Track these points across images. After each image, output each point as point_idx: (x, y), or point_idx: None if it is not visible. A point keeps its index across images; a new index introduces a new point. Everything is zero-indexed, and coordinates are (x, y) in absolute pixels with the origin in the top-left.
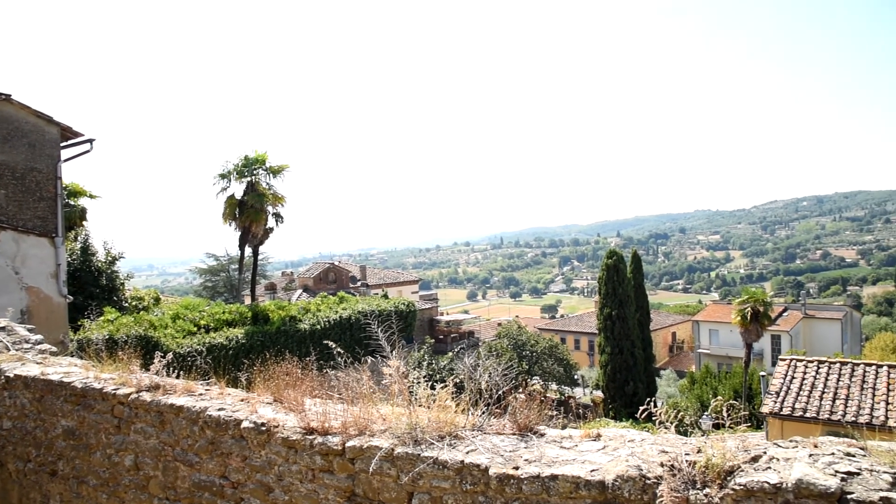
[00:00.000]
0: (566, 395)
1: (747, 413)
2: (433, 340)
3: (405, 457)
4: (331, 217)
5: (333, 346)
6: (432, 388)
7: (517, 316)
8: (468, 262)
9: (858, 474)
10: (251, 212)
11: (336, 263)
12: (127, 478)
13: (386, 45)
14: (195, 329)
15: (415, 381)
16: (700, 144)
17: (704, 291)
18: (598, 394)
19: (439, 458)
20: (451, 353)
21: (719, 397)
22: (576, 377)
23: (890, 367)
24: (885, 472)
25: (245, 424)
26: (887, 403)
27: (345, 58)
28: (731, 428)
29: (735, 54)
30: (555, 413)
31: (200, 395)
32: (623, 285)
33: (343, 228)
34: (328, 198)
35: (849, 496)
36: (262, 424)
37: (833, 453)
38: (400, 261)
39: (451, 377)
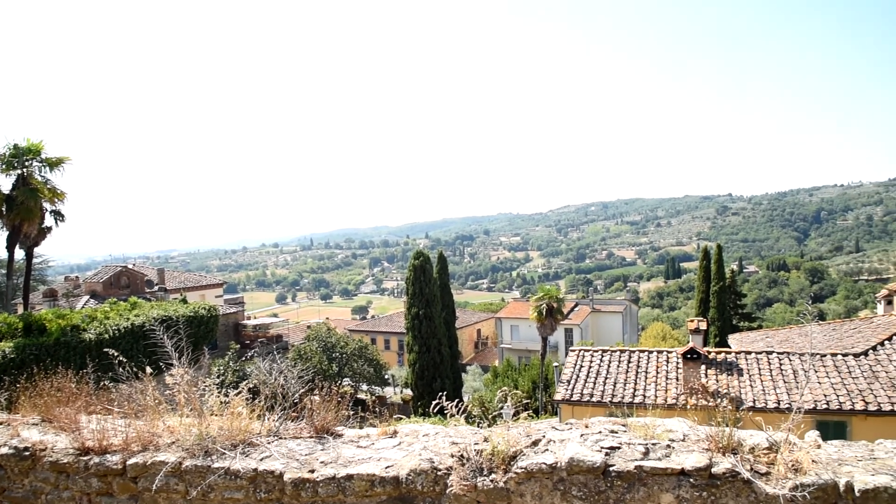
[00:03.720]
0: (376, 394)
1: (545, 401)
2: (238, 346)
3: (194, 470)
4: (125, 216)
5: (114, 354)
6: (227, 395)
7: (327, 318)
8: (277, 264)
9: (619, 448)
10: (22, 209)
11: (130, 266)
12: None
13: (180, 32)
14: None
15: (206, 389)
16: (502, 150)
17: (507, 290)
18: (408, 392)
19: (231, 467)
20: (257, 359)
21: (516, 390)
22: (386, 377)
23: (659, 352)
24: (639, 444)
25: (2, 451)
26: (656, 384)
27: (139, 45)
28: (531, 416)
29: (533, 65)
30: (352, 413)
31: None
32: (430, 285)
33: (139, 228)
34: (121, 195)
35: (611, 468)
36: (26, 449)
37: (600, 431)
38: (203, 263)
39: (246, 382)
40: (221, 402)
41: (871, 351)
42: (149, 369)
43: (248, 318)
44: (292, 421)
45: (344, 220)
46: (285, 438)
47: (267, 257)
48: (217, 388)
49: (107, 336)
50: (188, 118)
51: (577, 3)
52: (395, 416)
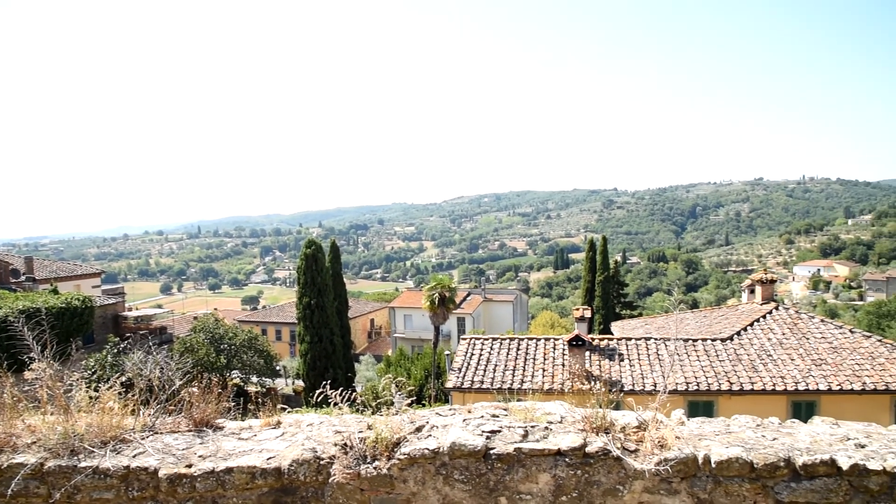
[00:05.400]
0: (267, 386)
1: (438, 389)
2: (118, 339)
3: (58, 471)
4: None
5: None
6: (96, 390)
7: (216, 308)
8: (162, 253)
9: (500, 431)
10: None
11: None
12: None
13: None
14: None
15: (74, 384)
16: (396, 140)
17: (401, 280)
18: (300, 383)
19: (100, 466)
20: (135, 351)
21: (401, 378)
22: (277, 368)
23: (546, 340)
24: (519, 427)
25: None
26: (544, 371)
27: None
28: (424, 404)
29: (426, 57)
30: (235, 404)
31: None
32: (322, 274)
33: (3, 212)
34: None
35: (491, 451)
36: None
37: (482, 416)
38: (79, 252)
39: (117, 376)
40: (91, 398)
41: (735, 336)
42: (6, 365)
43: (130, 310)
44: (170, 415)
45: (234, 208)
46: (161, 433)
47: (150, 245)
48: (89, 383)
49: None
50: (61, 89)
51: None
52: (280, 407)
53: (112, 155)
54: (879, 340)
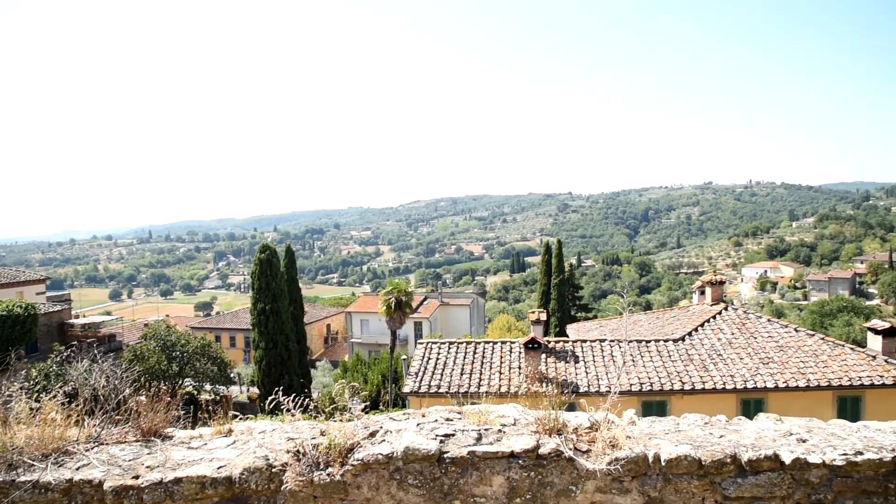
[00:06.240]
0: (221, 394)
1: (395, 394)
2: (64, 347)
3: None
4: None
5: None
6: (38, 401)
7: (167, 315)
8: (111, 258)
9: (454, 435)
10: None
11: None
12: None
13: None
14: None
15: (13, 395)
16: (353, 144)
17: (358, 284)
18: (255, 390)
19: (41, 480)
20: (85, 360)
21: (354, 384)
22: (232, 375)
23: (503, 343)
24: (472, 430)
25: None
26: (500, 374)
27: None
28: (380, 409)
29: (386, 62)
30: (184, 413)
31: None
32: (277, 279)
33: None
34: None
35: (445, 454)
36: None
37: (436, 420)
38: (22, 257)
39: (61, 385)
40: (32, 409)
41: (687, 336)
42: None
43: (76, 317)
44: (116, 425)
45: (186, 212)
46: (107, 444)
47: (99, 251)
48: (31, 394)
49: None
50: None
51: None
52: (231, 415)
53: (58, 156)
54: (822, 338)
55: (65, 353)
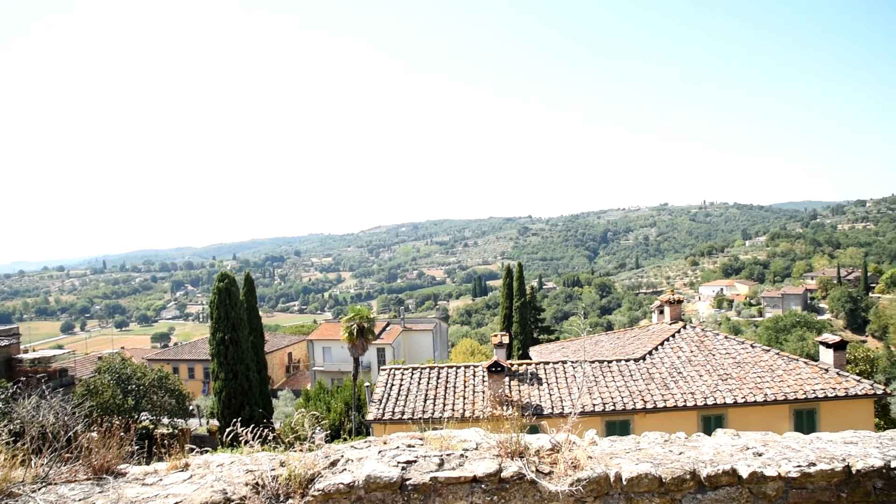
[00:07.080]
0: (180, 427)
1: (358, 422)
2: (11, 384)
3: None
4: None
5: None
6: None
7: (122, 347)
8: (63, 290)
9: (416, 461)
10: None
11: None
12: None
13: None
14: None
15: None
16: (312, 170)
17: (319, 311)
18: (214, 422)
19: None
20: (32, 397)
21: (315, 413)
22: (191, 408)
23: (466, 367)
24: (435, 456)
25: None
26: (464, 398)
27: None
28: (344, 438)
29: (345, 86)
30: (139, 447)
31: None
32: (236, 308)
33: None
34: None
35: (407, 482)
36: None
37: (398, 447)
38: None
39: (5, 424)
40: None
41: (647, 356)
42: None
43: (25, 352)
44: (66, 463)
45: (143, 241)
46: (56, 483)
47: (50, 282)
48: None
49: None
50: None
51: (382, 25)
52: (188, 448)
53: (4, 183)
54: (777, 353)
55: (11, 390)
